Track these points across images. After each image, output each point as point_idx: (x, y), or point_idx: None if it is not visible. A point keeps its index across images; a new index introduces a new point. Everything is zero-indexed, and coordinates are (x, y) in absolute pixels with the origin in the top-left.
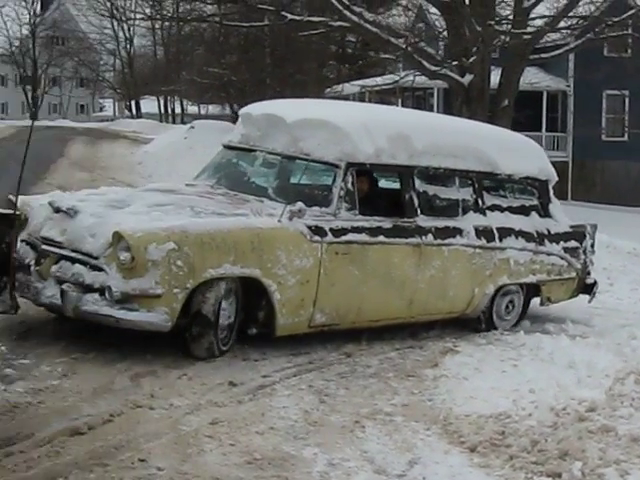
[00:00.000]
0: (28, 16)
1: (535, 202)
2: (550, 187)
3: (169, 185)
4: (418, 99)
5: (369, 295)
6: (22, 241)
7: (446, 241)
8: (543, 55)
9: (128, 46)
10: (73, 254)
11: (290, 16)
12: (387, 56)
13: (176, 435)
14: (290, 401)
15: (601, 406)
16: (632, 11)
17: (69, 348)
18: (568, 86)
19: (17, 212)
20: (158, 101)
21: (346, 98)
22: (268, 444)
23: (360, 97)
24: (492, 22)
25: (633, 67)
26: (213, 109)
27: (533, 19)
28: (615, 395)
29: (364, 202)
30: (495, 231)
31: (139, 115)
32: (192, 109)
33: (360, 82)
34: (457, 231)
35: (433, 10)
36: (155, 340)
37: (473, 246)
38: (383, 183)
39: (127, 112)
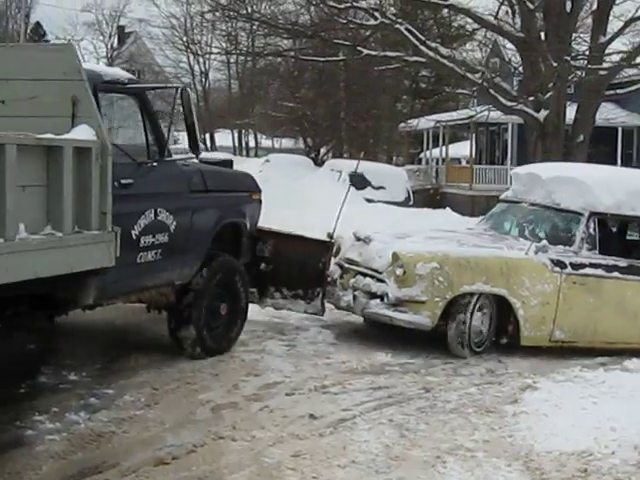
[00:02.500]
0: (105, 50)
1: None
2: None
3: (451, 227)
4: (492, 134)
5: (603, 320)
6: (335, 263)
7: None
8: (619, 91)
9: (203, 80)
10: (365, 270)
11: (366, 51)
12: (462, 91)
13: (259, 467)
14: (371, 435)
15: None
16: None
17: (150, 379)
18: None
19: (332, 240)
20: (232, 134)
21: (420, 133)
22: (350, 478)
23: (434, 131)
24: (568, 58)
25: None
26: (287, 142)
27: (609, 55)
28: None
29: (605, 245)
30: None
31: (214, 148)
32: (266, 142)
33: (435, 117)
34: None
35: (509, 46)
36: (237, 372)
37: None
38: (627, 232)
39: (202, 145)
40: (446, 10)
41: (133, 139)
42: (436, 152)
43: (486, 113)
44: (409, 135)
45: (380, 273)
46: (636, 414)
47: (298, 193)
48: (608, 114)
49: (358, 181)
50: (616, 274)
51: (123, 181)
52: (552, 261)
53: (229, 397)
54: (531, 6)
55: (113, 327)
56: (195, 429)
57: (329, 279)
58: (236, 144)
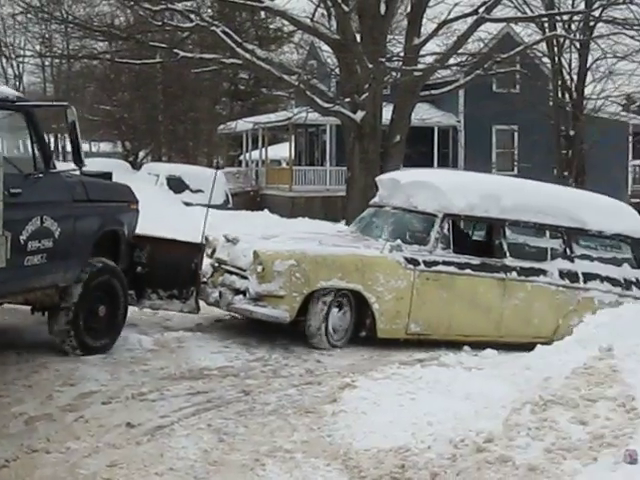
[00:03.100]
0: None
1: (628, 255)
2: None
3: (323, 230)
4: (311, 135)
5: (457, 314)
6: (210, 264)
7: (530, 278)
8: (434, 91)
9: (17, 83)
10: (232, 268)
11: (182, 53)
12: (280, 93)
13: (74, 479)
14: (189, 441)
15: (498, 437)
16: (520, 48)
17: None
18: (458, 121)
19: (203, 242)
20: (48, 139)
21: (239, 135)
22: None
23: (254, 134)
24: (383, 59)
25: (521, 102)
26: (105, 146)
27: (423, 56)
28: (512, 425)
29: (460, 244)
30: (580, 275)
31: None
32: (84, 147)
33: (253, 119)
34: (541, 271)
35: (325, 47)
36: (51, 382)
37: (556, 284)
38: (481, 232)
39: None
40: (263, 12)
41: (21, 152)
42: (256, 154)
43: (304, 115)
44: (228, 137)
45: (244, 271)
46: (452, 408)
47: None
48: (424, 114)
49: (176, 185)
50: (469, 271)
51: (12, 190)
52: (406, 259)
53: (43, 408)
54: (346, 8)
55: None
56: (7, 443)
57: (203, 279)
58: (52, 148)
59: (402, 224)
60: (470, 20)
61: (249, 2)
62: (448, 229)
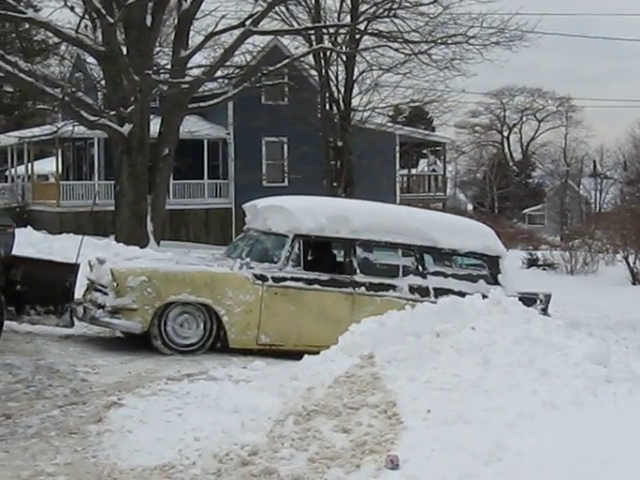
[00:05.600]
0: None
1: (484, 272)
2: (500, 261)
3: (196, 255)
4: (79, 149)
5: (307, 326)
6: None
7: (379, 293)
8: (202, 104)
9: None
10: (98, 286)
11: None
12: (44, 106)
13: None
14: None
15: (263, 449)
16: (287, 60)
17: None
18: (228, 134)
19: (77, 263)
20: None
21: (4, 150)
22: None
23: (19, 148)
24: (150, 72)
25: (290, 114)
26: None
27: (191, 68)
28: (276, 437)
29: (311, 262)
30: (431, 289)
31: None
32: None
33: (17, 133)
34: (391, 286)
35: (91, 59)
36: None
37: (405, 298)
38: (334, 251)
39: None
40: (27, 24)
41: None
42: (22, 169)
43: (70, 128)
44: None
45: (106, 287)
46: (220, 422)
47: None
48: (192, 127)
49: None
50: (317, 286)
51: None
52: (255, 275)
53: None
54: (111, 20)
55: None
56: None
57: (80, 297)
58: None
59: (259, 245)
60: (237, 32)
61: (11, 13)
62: (299, 248)
